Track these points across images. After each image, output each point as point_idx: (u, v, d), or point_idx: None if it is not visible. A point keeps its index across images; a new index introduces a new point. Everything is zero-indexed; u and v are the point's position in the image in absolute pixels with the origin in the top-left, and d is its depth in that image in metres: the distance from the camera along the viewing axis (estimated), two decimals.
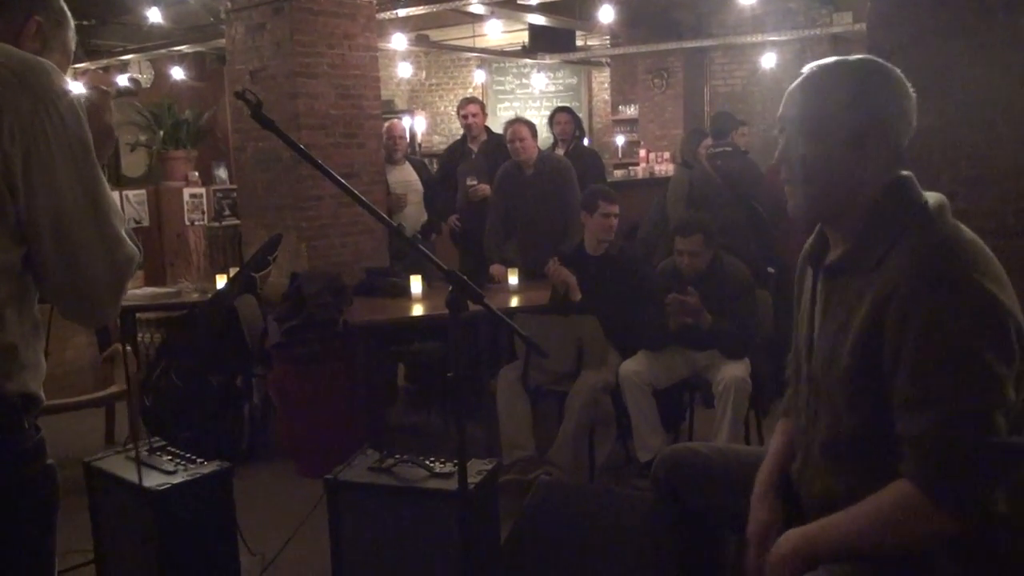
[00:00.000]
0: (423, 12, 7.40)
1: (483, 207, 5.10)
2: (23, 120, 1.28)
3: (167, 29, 7.37)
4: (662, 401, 3.64)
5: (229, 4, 5.07)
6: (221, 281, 4.67)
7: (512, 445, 3.65)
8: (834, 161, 1.48)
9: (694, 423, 4.00)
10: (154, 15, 6.47)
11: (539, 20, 8.38)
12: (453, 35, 10.57)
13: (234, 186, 6.38)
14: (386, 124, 5.44)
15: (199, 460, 2.61)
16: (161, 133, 8.01)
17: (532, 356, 3.69)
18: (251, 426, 4.30)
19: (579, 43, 10.81)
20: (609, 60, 11.24)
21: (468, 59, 12.05)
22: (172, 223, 7.31)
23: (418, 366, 5.19)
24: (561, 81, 11.91)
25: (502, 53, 10.97)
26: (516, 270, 4.54)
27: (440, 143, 11.48)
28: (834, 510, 1.47)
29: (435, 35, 10.11)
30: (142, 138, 8.15)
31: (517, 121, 4.84)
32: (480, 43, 10.70)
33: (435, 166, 6.56)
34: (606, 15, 7.12)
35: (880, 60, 1.53)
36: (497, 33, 9.52)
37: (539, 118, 9.74)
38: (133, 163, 8.47)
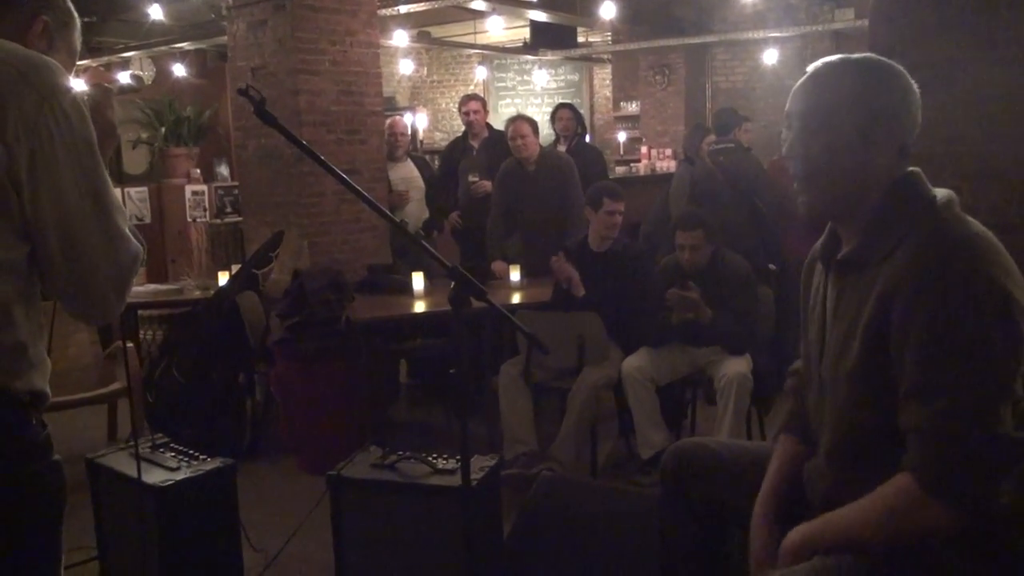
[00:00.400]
0: (424, 8, 7.39)
1: (484, 204, 5.10)
2: (28, 118, 1.28)
3: (168, 26, 7.36)
4: (664, 397, 3.65)
5: (230, 1, 5.07)
6: (223, 278, 4.67)
7: (514, 441, 3.66)
8: (842, 157, 1.49)
9: (696, 419, 4.01)
10: (155, 12, 6.47)
11: (540, 16, 8.36)
12: (455, 31, 10.57)
13: (236, 183, 6.39)
14: (388, 121, 5.43)
15: (202, 457, 2.61)
16: (162, 130, 8.01)
17: (534, 352, 3.69)
18: (253, 423, 4.31)
19: (580, 39, 10.79)
20: (611, 56, 11.22)
21: (469, 55, 12.04)
22: (174, 220, 7.32)
23: (420, 362, 5.20)
24: (563, 78, 11.90)
25: (503, 49, 10.97)
26: (518, 266, 4.54)
27: (442, 140, 11.47)
28: None
29: (436, 31, 10.10)
30: (143, 135, 8.15)
31: (519, 118, 4.84)
32: (481, 39, 10.69)
33: (436, 163, 6.55)
34: (607, 11, 7.11)
35: (883, 58, 1.54)
36: (498, 29, 9.52)
37: (540, 115, 9.74)
38: (135, 160, 8.47)
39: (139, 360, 4.54)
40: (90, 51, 8.08)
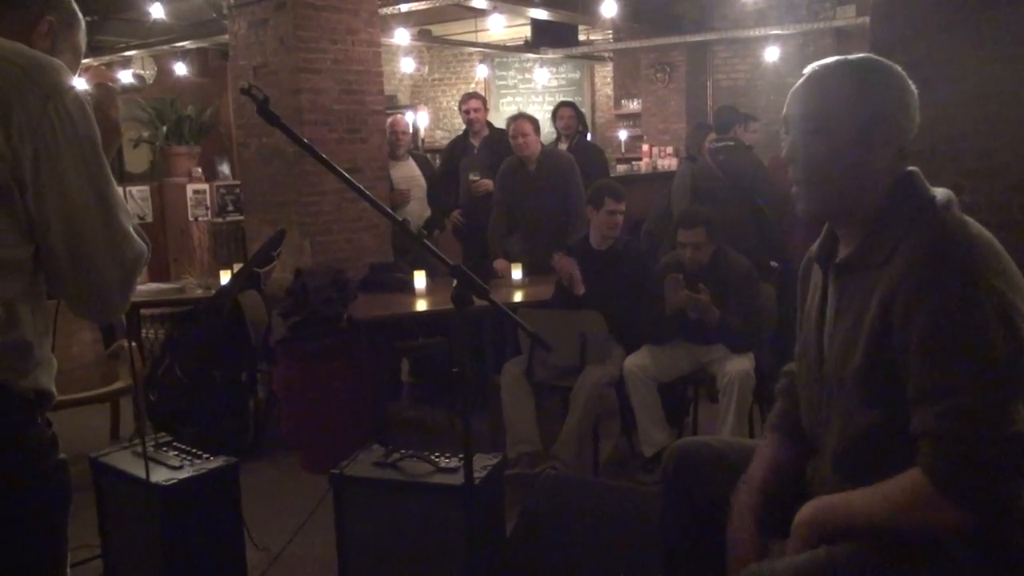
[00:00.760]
0: (425, 7, 7.39)
1: (486, 202, 5.10)
2: (32, 118, 1.29)
3: (170, 25, 7.36)
4: (666, 395, 3.65)
5: (232, 0, 5.08)
6: (225, 277, 4.68)
7: (517, 439, 3.66)
8: (841, 159, 1.49)
9: (698, 417, 4.01)
10: (157, 11, 6.47)
11: (541, 15, 8.36)
12: (455, 30, 10.56)
13: (237, 182, 6.40)
14: (389, 119, 5.44)
15: (205, 455, 2.61)
16: (164, 129, 8.02)
17: (536, 351, 3.70)
18: (256, 421, 4.32)
19: (581, 38, 10.78)
20: (612, 54, 11.21)
21: (471, 54, 12.04)
22: (176, 219, 7.34)
23: (422, 361, 5.20)
24: (564, 76, 11.89)
25: (504, 48, 10.96)
26: (520, 265, 4.54)
27: (443, 138, 11.47)
28: None
29: (437, 30, 10.10)
30: (145, 134, 8.16)
31: (520, 117, 4.84)
32: (482, 38, 10.69)
33: (438, 161, 6.55)
34: (608, 9, 7.11)
35: (881, 58, 1.54)
36: (499, 28, 9.51)
37: (542, 113, 9.74)
38: (136, 159, 8.49)
39: (141, 359, 4.54)
40: (91, 50, 8.07)
